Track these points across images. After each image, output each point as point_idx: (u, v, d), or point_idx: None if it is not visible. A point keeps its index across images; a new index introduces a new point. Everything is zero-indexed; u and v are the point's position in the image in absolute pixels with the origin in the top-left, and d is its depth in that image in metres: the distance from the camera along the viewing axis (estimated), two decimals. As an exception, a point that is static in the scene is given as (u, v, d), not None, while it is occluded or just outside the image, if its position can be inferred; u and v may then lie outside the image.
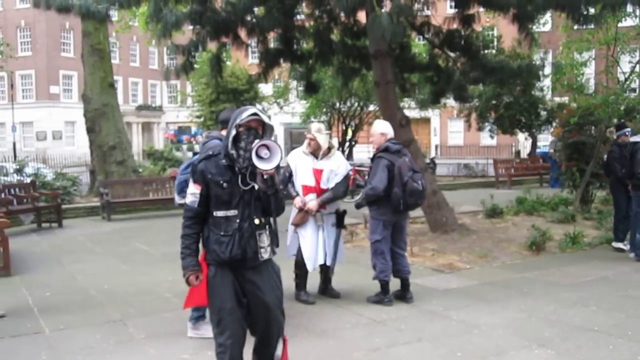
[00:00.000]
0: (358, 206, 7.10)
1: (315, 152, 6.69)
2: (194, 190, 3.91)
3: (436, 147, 42.86)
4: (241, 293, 3.92)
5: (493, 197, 13.36)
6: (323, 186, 6.64)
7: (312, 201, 6.59)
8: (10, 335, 5.96)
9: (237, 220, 3.84)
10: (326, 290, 7.11)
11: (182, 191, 6.04)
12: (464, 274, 8.19)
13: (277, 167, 3.73)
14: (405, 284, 6.86)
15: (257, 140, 3.70)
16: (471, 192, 18.18)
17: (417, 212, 8.37)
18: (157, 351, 5.44)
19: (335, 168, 6.69)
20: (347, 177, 6.82)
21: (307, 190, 6.64)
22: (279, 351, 4.11)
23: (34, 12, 38.61)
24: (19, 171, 16.23)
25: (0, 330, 6.10)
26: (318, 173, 6.64)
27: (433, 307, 6.62)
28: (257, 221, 3.87)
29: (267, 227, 3.94)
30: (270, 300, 3.95)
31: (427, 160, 21.10)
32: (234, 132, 3.82)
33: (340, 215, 6.77)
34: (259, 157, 3.63)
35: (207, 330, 5.59)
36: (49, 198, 13.80)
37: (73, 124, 46.33)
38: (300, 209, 6.63)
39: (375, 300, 6.74)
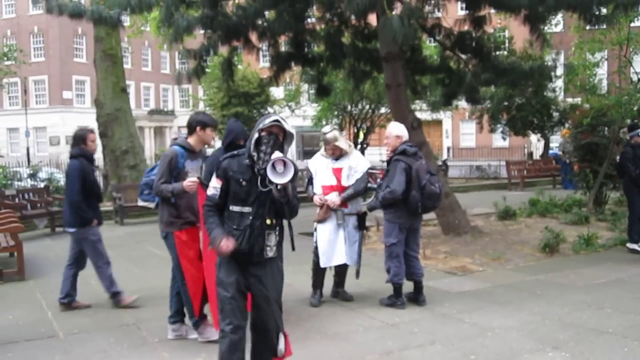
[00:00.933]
0: (371, 209, 7.11)
1: (333, 155, 6.80)
2: (215, 184, 4.18)
3: (448, 149, 42.76)
4: (244, 286, 4.15)
5: (506, 199, 13.31)
6: (344, 184, 6.71)
7: (334, 196, 6.65)
8: (25, 339, 6.00)
9: (250, 217, 4.08)
10: (339, 293, 7.11)
11: (142, 193, 6.10)
12: (476, 277, 8.16)
13: (292, 181, 3.97)
14: (418, 287, 6.85)
15: (276, 154, 3.92)
16: (483, 194, 18.13)
17: (429, 215, 8.35)
18: (170, 355, 5.46)
19: (355, 165, 6.77)
20: (367, 173, 6.91)
21: (329, 189, 6.71)
22: (281, 345, 4.23)
23: (46, 18, 38.91)
24: (32, 176, 16.34)
25: (14, 334, 6.15)
26: (338, 172, 6.74)
27: (446, 310, 6.60)
28: (268, 221, 4.10)
29: (277, 228, 4.16)
30: (272, 294, 4.18)
31: (439, 163, 21.08)
32: (256, 135, 4.09)
33: (361, 217, 6.80)
34: (274, 170, 3.86)
35: (210, 332, 5.64)
36: (62, 203, 13.86)
37: (86, 129, 46.49)
38: (322, 205, 6.69)
39: (388, 303, 6.74)
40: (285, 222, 4.23)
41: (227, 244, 4.03)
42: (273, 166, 3.86)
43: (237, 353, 4.15)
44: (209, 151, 6.96)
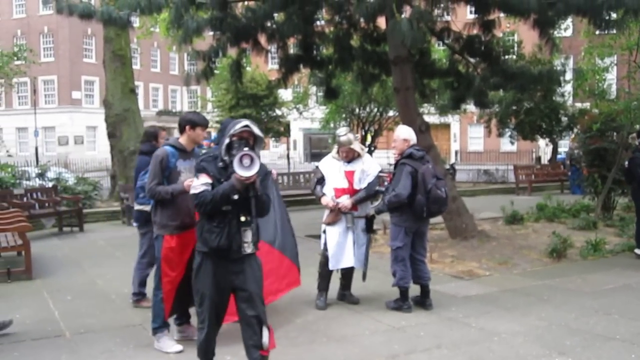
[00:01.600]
0: (379, 212, 7.09)
1: (346, 158, 6.80)
2: (206, 180, 4.33)
3: (456, 153, 42.66)
4: (224, 283, 4.37)
5: (513, 204, 13.26)
6: (356, 187, 6.74)
7: (345, 199, 6.67)
8: (32, 339, 6.02)
9: (229, 216, 4.28)
10: (345, 296, 7.11)
11: (137, 197, 6.06)
12: (483, 281, 8.14)
13: (263, 180, 4.38)
14: (425, 291, 6.84)
15: (244, 150, 4.17)
16: (491, 199, 18.10)
17: (436, 219, 8.34)
18: (177, 356, 5.46)
19: (367, 169, 6.80)
20: (378, 177, 6.91)
21: (341, 192, 6.73)
22: (265, 339, 4.38)
23: (56, 19, 39.09)
24: (41, 175, 16.39)
25: (21, 334, 6.16)
26: (350, 175, 6.77)
27: (452, 314, 6.59)
28: (243, 218, 4.30)
29: (251, 225, 4.34)
30: (252, 289, 4.37)
31: (447, 166, 21.04)
32: (227, 140, 4.33)
33: (369, 220, 6.80)
34: (241, 164, 4.10)
35: (165, 343, 5.61)
36: (70, 202, 13.92)
37: (94, 129, 46.74)
38: (332, 209, 6.70)
39: (394, 307, 6.73)
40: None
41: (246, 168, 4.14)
42: (240, 160, 4.10)
43: (212, 343, 4.55)
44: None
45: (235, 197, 4.22)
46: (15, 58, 23.36)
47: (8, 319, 6.27)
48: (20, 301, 7.47)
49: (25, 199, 13.19)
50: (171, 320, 5.92)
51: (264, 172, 4.56)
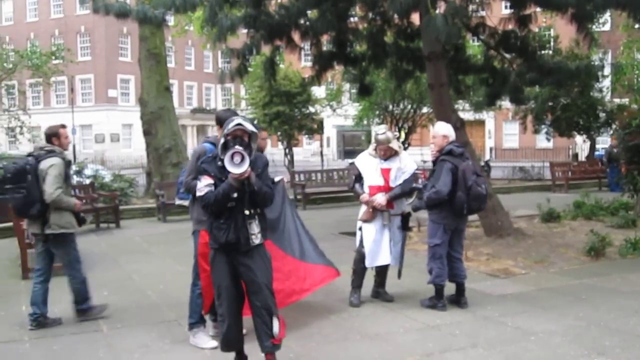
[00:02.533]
0: (416, 209, 7.04)
1: (385, 155, 6.77)
2: (208, 182, 4.52)
3: (491, 149, 42.24)
4: (237, 274, 4.61)
5: (549, 201, 13.07)
6: (392, 184, 6.71)
7: (381, 196, 6.64)
8: (70, 333, 6.13)
9: (234, 211, 4.49)
10: (379, 293, 7.08)
11: (178, 192, 6.13)
12: (519, 280, 8.03)
13: (262, 171, 4.62)
14: (460, 289, 6.78)
15: (235, 148, 4.36)
16: (527, 196, 17.86)
17: (471, 216, 8.27)
18: (212, 351, 5.50)
19: (403, 166, 6.78)
20: (414, 174, 6.90)
21: (376, 189, 6.71)
22: (275, 329, 4.58)
23: (93, 18, 39.70)
24: (78, 173, 16.64)
25: (60, 329, 6.28)
26: (386, 172, 6.73)
27: (488, 313, 6.52)
28: (247, 212, 4.51)
29: (256, 217, 4.57)
30: (261, 280, 4.58)
31: (482, 163, 20.83)
32: (222, 140, 4.53)
33: (405, 218, 6.77)
34: (232, 162, 4.31)
35: (201, 339, 5.67)
36: (107, 199, 14.12)
37: (130, 127, 47.38)
38: (370, 206, 6.68)
39: (428, 305, 6.68)
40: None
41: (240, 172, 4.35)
42: (231, 158, 4.31)
43: (235, 333, 4.71)
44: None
45: (235, 194, 4.42)
46: (54, 57, 23.77)
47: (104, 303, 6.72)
48: (59, 296, 7.57)
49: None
50: (207, 315, 5.97)
51: (262, 164, 4.68)
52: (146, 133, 17.66)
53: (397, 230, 6.82)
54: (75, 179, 16.15)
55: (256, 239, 4.56)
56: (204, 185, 4.51)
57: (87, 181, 15.40)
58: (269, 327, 4.56)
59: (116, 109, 47.92)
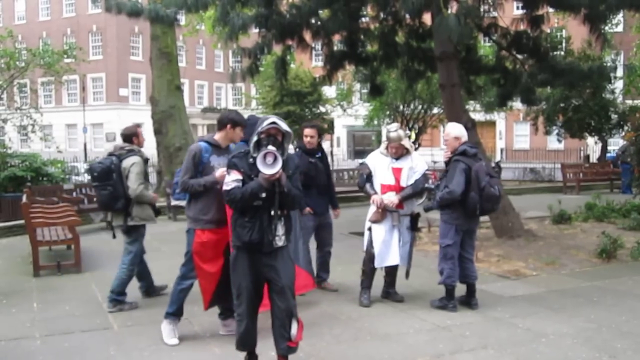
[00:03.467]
0: (427, 209, 7.02)
1: (395, 154, 6.75)
2: (237, 177, 4.47)
3: (501, 150, 42.08)
4: (258, 275, 4.55)
5: (561, 203, 13.00)
6: (403, 184, 6.69)
7: (392, 195, 6.62)
8: (81, 330, 6.15)
9: (260, 210, 4.43)
10: (389, 294, 7.07)
11: (174, 192, 6.20)
12: (530, 281, 7.99)
13: (293, 172, 4.55)
14: (471, 290, 6.76)
15: (267, 147, 4.31)
16: (538, 197, 17.79)
17: (482, 217, 8.25)
18: (221, 350, 5.51)
19: (414, 166, 6.76)
20: (425, 175, 6.88)
21: (387, 188, 6.69)
22: (294, 330, 4.53)
23: (105, 17, 39.81)
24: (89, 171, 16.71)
25: (71, 325, 6.30)
26: (397, 172, 6.71)
27: (498, 314, 6.49)
28: (273, 213, 4.42)
29: (282, 219, 4.50)
30: (284, 282, 4.53)
31: (493, 164, 20.75)
32: (255, 138, 4.47)
33: (414, 218, 6.76)
34: (264, 162, 4.24)
35: (166, 331, 5.84)
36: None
37: (141, 126, 47.45)
38: (381, 207, 6.66)
39: (439, 306, 6.66)
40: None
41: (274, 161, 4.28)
42: (263, 158, 4.24)
43: (252, 333, 4.67)
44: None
45: (263, 194, 4.35)
46: (65, 56, 23.83)
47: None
48: (70, 293, 7.63)
49: (74, 194, 13.49)
50: (216, 314, 5.99)
51: (293, 166, 4.62)
52: (157, 132, 17.71)
53: (406, 231, 6.80)
54: (86, 177, 16.24)
55: (280, 241, 4.50)
56: (231, 179, 4.46)
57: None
58: (287, 330, 4.53)
59: (127, 107, 48.08)
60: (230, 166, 4.54)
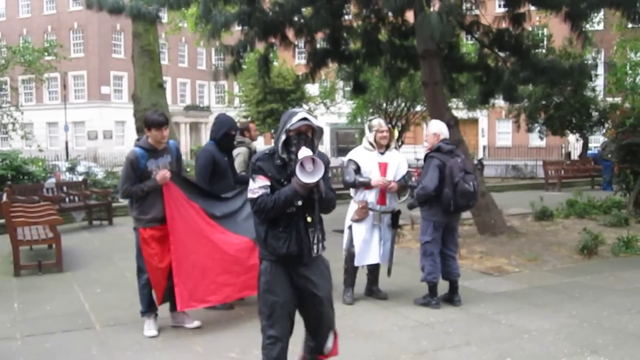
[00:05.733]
0: (411, 207, 7.05)
1: (381, 147, 6.74)
2: (264, 183, 3.92)
3: (484, 148, 42.29)
4: (294, 288, 4.04)
5: (542, 200, 13.09)
6: (389, 179, 6.66)
7: (392, 183, 6.64)
8: (62, 331, 6.10)
9: (294, 218, 3.94)
10: (373, 291, 7.08)
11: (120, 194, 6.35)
12: (513, 277, 8.05)
13: (325, 174, 3.90)
14: (453, 287, 6.78)
15: (303, 152, 3.78)
16: (520, 194, 17.89)
17: (465, 214, 8.27)
18: (204, 349, 5.49)
19: (401, 162, 6.81)
20: (409, 172, 6.99)
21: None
22: (329, 343, 4.21)
23: (86, 14, 39.53)
24: (71, 170, 16.61)
25: (52, 325, 6.25)
26: (384, 166, 6.69)
27: (481, 311, 6.53)
28: (309, 219, 3.96)
29: (318, 225, 4.01)
30: (323, 294, 4.09)
31: (475, 162, 20.86)
32: (283, 136, 3.89)
33: (395, 215, 6.77)
34: (303, 169, 3.72)
35: (145, 326, 5.96)
36: (99, 196, 14.07)
37: (123, 124, 47.25)
38: (385, 188, 6.66)
39: (422, 303, 6.68)
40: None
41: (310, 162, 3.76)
42: (302, 165, 3.72)
43: (285, 356, 4.08)
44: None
45: (299, 202, 3.87)
46: (46, 54, 23.64)
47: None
48: (51, 293, 7.56)
49: (55, 193, 13.37)
50: (198, 313, 5.97)
51: (326, 165, 3.99)
52: (139, 130, 17.52)
53: (387, 229, 6.80)
54: (67, 176, 16.13)
55: (318, 249, 4.04)
56: (258, 186, 3.91)
57: (80, 178, 15.33)
58: (323, 342, 4.21)
59: (109, 105, 47.78)
60: (255, 171, 3.96)
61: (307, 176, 3.72)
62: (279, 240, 3.93)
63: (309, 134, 3.94)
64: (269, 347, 4.03)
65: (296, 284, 4.04)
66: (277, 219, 3.93)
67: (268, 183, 3.92)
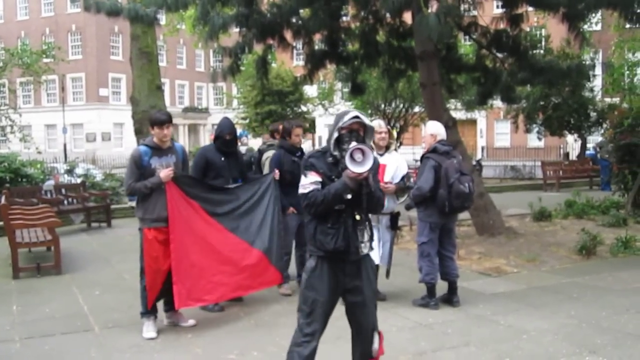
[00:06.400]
0: (408, 208, 7.07)
1: (380, 148, 6.76)
2: (315, 179, 4.00)
3: (482, 148, 42.32)
4: (338, 287, 4.08)
5: (541, 200, 13.11)
6: (387, 180, 6.68)
7: (389, 184, 6.65)
8: (61, 333, 6.10)
9: (344, 215, 3.97)
10: (371, 292, 7.07)
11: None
12: (511, 278, 8.05)
13: (375, 172, 4.03)
14: (452, 287, 6.79)
15: (353, 144, 3.85)
16: (518, 195, 17.91)
17: (463, 215, 8.30)
18: (203, 350, 5.49)
19: (400, 163, 6.83)
20: (408, 173, 6.99)
21: None
22: (376, 344, 4.20)
23: (84, 17, 39.56)
24: (69, 172, 16.58)
25: (51, 327, 6.25)
26: (382, 168, 6.66)
27: (480, 311, 6.53)
28: (357, 217, 3.99)
29: (366, 223, 4.07)
30: (367, 295, 4.12)
31: (474, 162, 20.88)
32: (336, 134, 4.01)
33: (394, 217, 6.77)
34: (353, 159, 3.77)
35: (144, 328, 5.97)
36: (98, 198, 14.06)
37: (121, 126, 47.25)
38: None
39: (421, 304, 6.69)
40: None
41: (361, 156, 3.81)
42: (351, 155, 3.78)
43: (314, 356, 4.11)
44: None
45: (349, 196, 3.88)
46: (44, 56, 23.63)
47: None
48: (50, 296, 7.56)
49: (54, 195, 13.36)
50: (198, 315, 5.98)
51: (376, 165, 4.12)
52: (137, 132, 17.53)
53: (386, 230, 6.80)
54: (66, 178, 16.11)
55: (365, 248, 4.05)
56: (309, 182, 3.98)
57: (79, 180, 15.32)
58: (370, 345, 4.19)
59: (107, 107, 47.77)
60: (307, 167, 4.05)
61: (357, 166, 3.78)
62: (327, 235, 3.96)
63: (360, 132, 4.03)
64: (304, 344, 4.05)
65: (342, 282, 4.06)
66: (326, 216, 3.98)
67: (319, 179, 3.99)
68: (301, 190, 4.02)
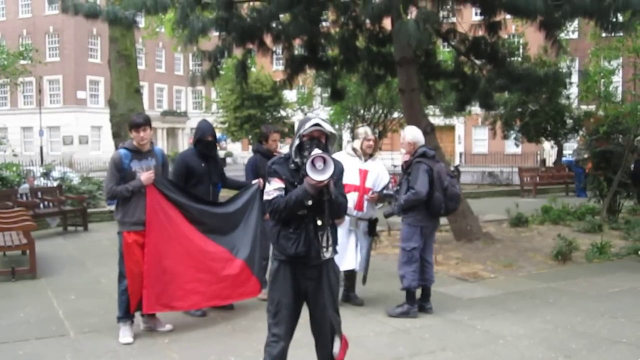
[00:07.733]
0: (388, 215, 6.98)
1: (366, 155, 6.80)
2: (278, 185, 4.07)
3: (460, 154, 42.62)
4: (301, 290, 4.15)
5: (518, 206, 13.23)
6: (367, 185, 6.71)
7: (374, 194, 6.72)
8: (36, 338, 6.02)
9: (305, 220, 4.04)
10: (349, 298, 7.08)
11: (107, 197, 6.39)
12: (488, 283, 8.11)
13: (337, 179, 4.09)
14: (426, 294, 6.79)
15: (316, 151, 3.91)
16: (496, 201, 18.04)
17: (440, 220, 8.35)
18: (180, 356, 5.46)
19: (382, 172, 6.87)
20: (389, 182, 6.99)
21: (350, 188, 6.56)
22: (336, 349, 4.23)
23: (62, 19, 39.19)
24: (45, 175, 16.38)
25: (25, 332, 6.17)
26: (364, 173, 6.74)
27: (457, 317, 6.57)
28: (319, 222, 4.03)
29: (328, 228, 4.09)
30: (327, 300, 4.17)
31: (452, 168, 21.00)
32: (297, 141, 4.08)
33: (372, 223, 6.78)
34: (314, 167, 3.83)
35: (121, 333, 5.92)
36: (75, 202, 13.92)
37: (99, 129, 46.84)
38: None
39: (401, 312, 6.55)
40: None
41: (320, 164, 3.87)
42: (312, 163, 3.84)
43: (286, 356, 4.20)
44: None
45: (310, 202, 3.96)
46: (21, 58, 23.42)
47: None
48: (25, 300, 7.47)
49: (30, 198, 13.19)
50: (177, 319, 5.94)
51: (339, 171, 4.15)
52: (115, 135, 17.43)
53: (363, 236, 6.81)
54: (42, 182, 15.92)
55: (327, 253, 4.07)
56: (273, 188, 4.06)
57: (55, 183, 15.16)
58: (330, 348, 4.23)
59: (85, 110, 47.33)
60: (271, 174, 4.13)
61: (318, 174, 3.84)
62: (289, 240, 4.05)
63: (322, 140, 4.09)
64: (272, 344, 4.16)
65: (304, 286, 4.14)
66: (289, 221, 4.06)
67: (282, 185, 4.07)
68: (265, 197, 4.11)
